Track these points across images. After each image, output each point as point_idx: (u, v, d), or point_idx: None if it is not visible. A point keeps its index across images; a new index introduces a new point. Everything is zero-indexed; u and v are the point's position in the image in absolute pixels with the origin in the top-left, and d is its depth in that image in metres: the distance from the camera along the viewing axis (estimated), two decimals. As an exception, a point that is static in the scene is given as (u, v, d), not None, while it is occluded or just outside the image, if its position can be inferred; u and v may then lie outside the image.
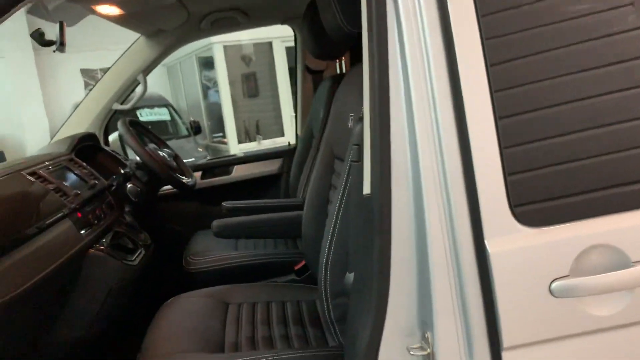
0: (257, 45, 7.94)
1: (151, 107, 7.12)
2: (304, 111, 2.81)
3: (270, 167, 2.79)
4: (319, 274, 1.24)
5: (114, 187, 1.95)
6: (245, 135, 8.03)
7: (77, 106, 2.46)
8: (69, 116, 2.43)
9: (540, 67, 0.90)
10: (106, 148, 2.33)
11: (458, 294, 0.92)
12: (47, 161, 1.70)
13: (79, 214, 1.59)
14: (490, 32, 0.91)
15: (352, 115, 1.38)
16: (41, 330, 1.45)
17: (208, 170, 2.74)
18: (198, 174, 2.67)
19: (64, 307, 1.52)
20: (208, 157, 6.41)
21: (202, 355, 1.24)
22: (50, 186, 1.55)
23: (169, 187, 2.44)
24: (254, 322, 1.47)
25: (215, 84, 8.02)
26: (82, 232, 1.55)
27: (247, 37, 7.70)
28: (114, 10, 1.93)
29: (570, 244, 0.90)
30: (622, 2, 0.91)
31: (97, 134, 2.35)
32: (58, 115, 8.10)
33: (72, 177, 1.74)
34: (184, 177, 2.28)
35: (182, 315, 1.46)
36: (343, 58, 2.58)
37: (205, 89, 8.60)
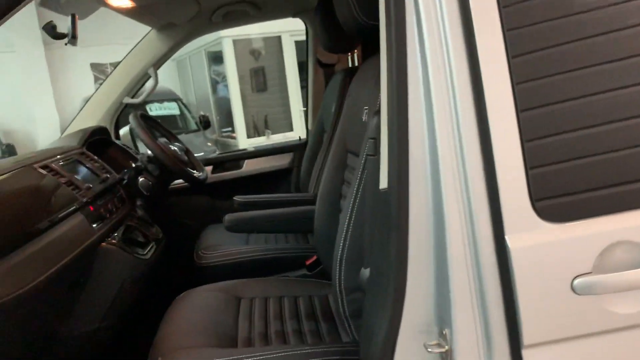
0: (266, 40, 7.92)
1: (160, 101, 7.12)
2: (315, 105, 2.79)
3: (280, 161, 2.78)
4: (333, 269, 1.23)
5: (125, 181, 1.95)
6: (254, 130, 8.02)
7: (87, 100, 2.46)
8: (80, 110, 2.43)
9: (563, 58, 0.88)
10: (117, 142, 2.32)
11: (477, 291, 0.90)
12: (58, 155, 1.69)
13: (91, 208, 1.59)
14: (512, 23, 0.88)
15: (366, 109, 1.36)
16: (53, 324, 1.45)
17: (219, 164, 2.74)
18: (209, 168, 2.66)
19: (76, 301, 1.51)
20: (217, 152, 6.41)
21: (215, 351, 1.23)
22: (62, 180, 1.55)
23: (179, 181, 2.43)
24: (267, 317, 1.46)
25: (224, 78, 8.01)
26: (94, 225, 1.55)
27: (256, 31, 7.68)
28: (125, 3, 1.92)
29: (593, 240, 0.88)
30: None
31: (108, 127, 2.35)
32: (68, 110, 8.13)
33: (83, 170, 1.73)
34: (195, 171, 2.28)
35: (195, 310, 1.46)
36: (355, 51, 2.56)
37: (214, 84, 8.60)
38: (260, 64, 8.03)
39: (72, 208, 1.49)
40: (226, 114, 8.30)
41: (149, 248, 1.82)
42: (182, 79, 9.77)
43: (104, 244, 1.59)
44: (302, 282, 1.72)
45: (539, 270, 0.88)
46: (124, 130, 2.66)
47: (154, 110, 6.98)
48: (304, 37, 2.78)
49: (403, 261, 0.92)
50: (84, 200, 1.56)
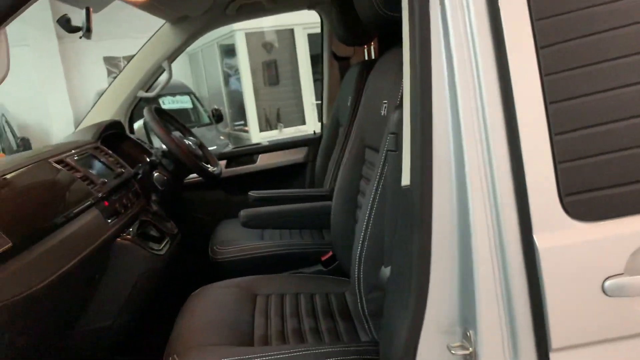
0: (278, 33, 7.88)
1: (173, 94, 7.12)
2: (330, 99, 2.76)
3: (295, 155, 2.76)
4: (352, 267, 1.20)
5: (140, 176, 1.94)
6: (266, 124, 8.00)
7: (101, 94, 2.46)
8: (94, 104, 2.42)
9: (594, 48, 0.85)
10: (131, 136, 2.31)
11: (503, 291, 0.88)
12: (73, 149, 1.69)
13: (106, 203, 1.58)
14: (540, 13, 0.85)
15: (385, 103, 1.33)
16: (68, 320, 1.44)
17: (233, 158, 2.72)
18: (223, 163, 2.64)
19: (91, 296, 1.51)
20: (230, 145, 6.41)
21: (232, 349, 1.22)
22: (77, 174, 1.54)
23: (193, 175, 2.42)
24: (283, 314, 1.44)
25: (237, 71, 8.00)
26: (109, 221, 1.54)
27: (268, 24, 7.65)
28: (139, -4, 1.91)
29: (625, 240, 0.85)
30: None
31: (122, 121, 2.34)
32: (81, 103, 8.17)
33: (98, 165, 1.72)
34: (209, 166, 2.26)
35: (211, 307, 1.44)
36: (372, 44, 2.52)
37: (227, 77, 8.59)
38: (272, 57, 8.00)
39: (87, 203, 1.48)
40: (238, 108, 8.29)
41: (163, 243, 1.80)
42: (194, 72, 9.78)
43: (118, 239, 1.58)
44: (318, 279, 1.70)
45: (568, 271, 0.85)
46: (138, 124, 2.65)
47: (167, 103, 7.00)
48: (316, 30, 2.75)
49: (426, 260, 0.89)
50: (99, 195, 1.55)
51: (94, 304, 1.51)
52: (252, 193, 2.14)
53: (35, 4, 1.15)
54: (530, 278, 0.86)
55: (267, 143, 2.89)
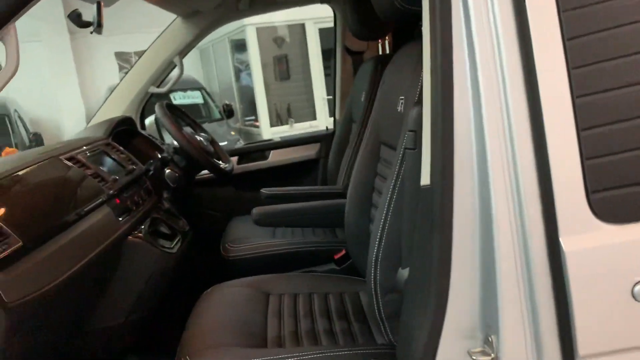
0: (289, 27, 7.85)
1: (184, 90, 7.12)
2: (342, 94, 2.72)
3: (307, 152, 2.73)
4: (368, 269, 1.18)
5: (151, 172, 1.92)
6: (277, 119, 7.98)
7: (112, 89, 2.44)
8: (105, 99, 2.41)
9: (624, 40, 0.81)
10: (143, 132, 2.30)
11: (527, 296, 0.84)
12: (84, 146, 1.67)
13: (117, 200, 1.56)
14: (567, 3, 0.81)
15: (402, 99, 1.29)
16: (79, 319, 1.43)
17: (244, 155, 2.70)
18: (234, 159, 2.62)
19: (102, 296, 1.49)
20: (240, 140, 6.40)
21: (245, 351, 1.20)
22: (88, 171, 1.52)
23: (204, 171, 2.40)
24: (296, 314, 1.42)
25: (248, 66, 7.98)
26: (120, 219, 1.52)
27: (279, 18, 7.61)
28: (151, -10, 1.88)
29: None
30: None
31: (133, 117, 2.32)
32: (93, 98, 8.20)
33: (109, 162, 1.71)
34: (221, 162, 2.24)
35: (223, 307, 1.42)
36: (387, 38, 2.48)
37: (238, 72, 8.57)
38: (283, 51, 7.97)
39: (98, 201, 1.46)
40: (249, 103, 8.28)
41: (175, 241, 1.79)
42: (205, 67, 9.77)
43: (130, 237, 1.56)
44: (331, 278, 1.67)
45: (596, 275, 0.82)
46: (149, 120, 2.63)
47: (178, 99, 7.00)
48: (327, 25, 2.71)
49: (446, 262, 0.86)
50: (111, 192, 1.53)
51: (104, 303, 1.50)
52: (264, 190, 2.12)
53: (47, 0, 1.13)
54: (555, 282, 0.83)
55: (278, 139, 2.86)
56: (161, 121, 2.04)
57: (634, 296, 0.82)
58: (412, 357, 0.92)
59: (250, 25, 7.42)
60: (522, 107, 0.82)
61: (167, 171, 2.04)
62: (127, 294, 1.56)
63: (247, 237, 2.03)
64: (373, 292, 1.16)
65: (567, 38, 0.81)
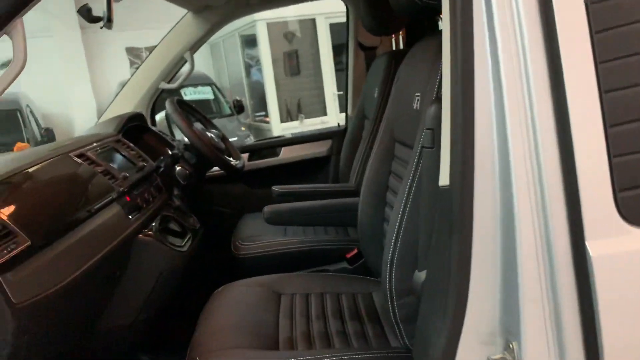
0: (300, 22, 7.81)
1: (195, 85, 7.11)
2: (355, 90, 2.68)
3: (319, 149, 2.69)
4: (383, 270, 1.15)
5: (162, 169, 1.90)
6: (287, 114, 7.96)
7: (123, 85, 2.42)
8: (116, 95, 2.39)
9: None
10: (153, 128, 2.28)
11: (550, 302, 0.81)
12: (94, 142, 1.65)
13: (128, 198, 1.54)
14: None
15: (418, 96, 1.26)
16: (89, 318, 1.41)
17: (255, 151, 2.67)
18: (245, 156, 2.60)
19: (112, 294, 1.47)
20: (251, 136, 6.38)
21: (257, 352, 1.17)
22: (98, 169, 1.51)
23: (215, 168, 2.38)
24: (309, 315, 1.39)
25: (258, 62, 7.95)
26: (130, 217, 1.50)
27: (290, 14, 7.57)
28: (161, -15, 1.86)
29: None
30: None
31: (144, 113, 2.30)
32: (104, 93, 8.22)
33: (119, 159, 1.69)
34: (232, 159, 2.22)
35: (234, 307, 1.40)
36: (401, 33, 2.43)
37: (248, 67, 8.55)
38: (294, 47, 7.94)
39: (108, 198, 1.44)
40: (260, 98, 8.26)
41: (186, 239, 1.77)
42: (215, 63, 9.76)
43: (140, 235, 1.54)
44: (343, 278, 1.65)
45: (625, 282, 0.78)
46: (160, 116, 2.61)
47: (188, 94, 6.99)
48: (338, 20, 2.67)
49: (465, 266, 0.83)
50: (121, 190, 1.51)
51: (115, 302, 1.48)
52: (276, 188, 2.09)
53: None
54: (580, 288, 0.79)
55: (290, 135, 2.83)
56: (172, 117, 2.02)
57: (664, 304, 0.78)
58: None
59: (261, 21, 7.39)
60: (546, 103, 0.78)
61: (178, 168, 2.02)
62: (137, 293, 1.55)
63: (258, 235, 2.01)
64: (388, 295, 1.13)
65: (595, 31, 0.78)
